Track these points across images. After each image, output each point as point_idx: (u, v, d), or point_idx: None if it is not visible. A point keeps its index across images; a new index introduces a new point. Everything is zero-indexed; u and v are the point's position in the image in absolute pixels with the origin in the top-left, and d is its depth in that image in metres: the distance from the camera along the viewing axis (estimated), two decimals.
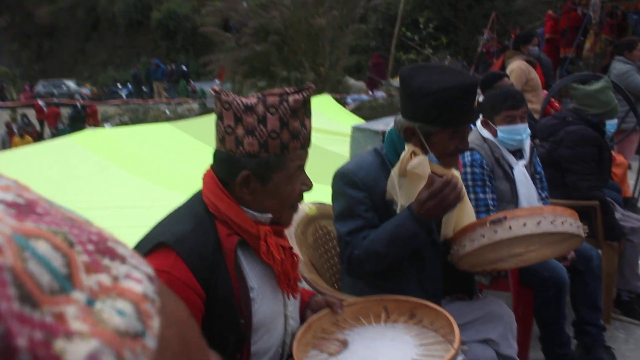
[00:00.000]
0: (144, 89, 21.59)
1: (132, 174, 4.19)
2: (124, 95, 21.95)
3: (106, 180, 4.07)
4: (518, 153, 2.76)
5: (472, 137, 2.64)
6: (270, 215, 1.45)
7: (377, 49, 16.08)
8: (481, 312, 1.90)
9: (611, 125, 3.26)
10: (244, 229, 1.41)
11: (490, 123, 2.71)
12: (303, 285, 1.92)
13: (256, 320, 1.41)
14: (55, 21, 32.85)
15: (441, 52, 15.05)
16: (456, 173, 1.94)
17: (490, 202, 2.57)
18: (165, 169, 4.45)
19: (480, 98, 3.11)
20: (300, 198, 1.50)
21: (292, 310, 1.56)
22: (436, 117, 1.79)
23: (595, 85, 3.25)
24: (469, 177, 2.57)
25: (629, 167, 4.97)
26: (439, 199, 1.70)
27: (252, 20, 12.31)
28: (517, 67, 5.41)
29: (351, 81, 15.21)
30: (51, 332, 0.29)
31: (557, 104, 5.27)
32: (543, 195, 2.84)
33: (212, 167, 1.47)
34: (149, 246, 1.33)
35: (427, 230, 1.90)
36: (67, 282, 0.31)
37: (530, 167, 2.78)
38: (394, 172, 1.84)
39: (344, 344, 1.54)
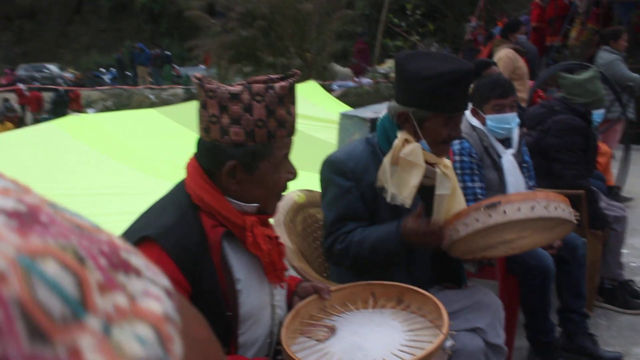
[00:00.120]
0: (129, 73, 21.31)
1: (117, 161, 4.15)
2: (107, 79, 21.67)
3: (90, 167, 4.02)
4: (506, 142, 2.76)
5: (461, 126, 2.64)
6: (256, 205, 1.43)
7: (361, 35, 16.00)
8: (469, 301, 1.90)
9: (598, 114, 3.27)
10: (230, 220, 1.38)
11: (479, 111, 2.71)
12: (290, 273, 1.91)
13: (243, 311, 1.40)
14: (37, 3, 32.23)
15: (428, 39, 15.03)
16: (447, 162, 1.94)
17: (478, 190, 2.57)
18: (150, 156, 4.40)
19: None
20: (286, 187, 1.48)
21: (279, 299, 1.55)
22: (431, 101, 1.79)
23: (584, 75, 3.26)
24: (457, 165, 2.57)
25: (613, 156, 5.01)
26: (421, 238, 1.81)
27: (239, 4, 12.19)
28: (504, 55, 5.42)
29: (337, 67, 15.15)
30: None
31: (542, 93, 5.30)
32: (530, 184, 2.85)
33: (196, 156, 1.44)
34: (132, 240, 1.30)
35: None
36: (79, 306, 0.28)
37: (519, 156, 2.79)
38: (386, 159, 1.83)
39: (332, 330, 1.54)
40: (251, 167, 1.38)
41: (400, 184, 1.83)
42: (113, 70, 22.93)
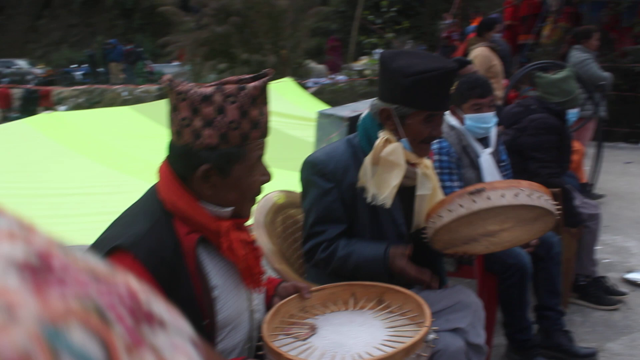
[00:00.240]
0: (103, 69, 20.94)
1: (92, 160, 4.07)
2: (78, 75, 21.26)
3: (64, 166, 3.94)
4: (484, 141, 2.78)
5: None
6: (231, 209, 1.41)
7: (333, 32, 15.99)
8: (450, 301, 1.91)
9: (573, 114, 3.32)
10: (204, 226, 1.35)
11: (457, 111, 2.73)
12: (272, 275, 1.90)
13: (221, 318, 1.38)
14: None
15: (403, 36, 15.08)
16: (428, 162, 1.94)
17: (457, 190, 2.58)
18: (126, 154, 4.33)
19: None
20: (260, 190, 1.46)
21: (257, 303, 1.53)
22: (413, 98, 1.80)
23: (559, 75, 3.30)
24: (436, 165, 2.59)
25: (585, 153, 5.10)
26: (407, 277, 1.87)
27: (213, 0, 12.06)
28: (479, 54, 5.47)
29: (312, 64, 15.11)
30: None
31: (514, 91, 5.35)
32: None
33: (168, 160, 1.40)
34: (104, 250, 1.26)
35: (394, 224, 1.92)
36: None
37: (496, 155, 2.81)
38: (367, 159, 1.83)
39: (313, 329, 1.53)
40: (225, 171, 1.35)
41: (380, 184, 1.83)
42: (85, 66, 22.51)
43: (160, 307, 0.32)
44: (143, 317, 0.30)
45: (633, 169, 7.16)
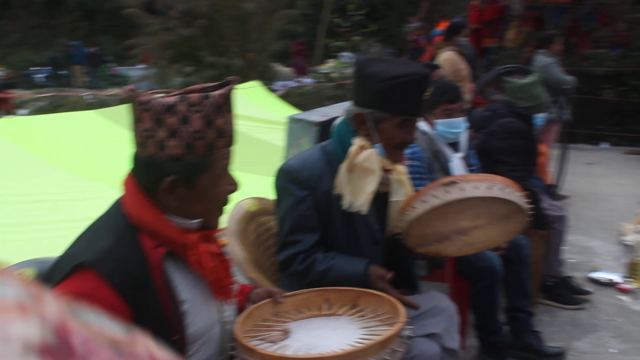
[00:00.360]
0: (66, 72, 20.50)
1: (56, 165, 3.97)
2: (37, 78, 20.76)
3: (27, 172, 3.83)
4: (454, 145, 2.81)
5: None
6: (198, 221, 1.38)
7: (298, 36, 16.00)
8: (425, 306, 1.92)
9: (540, 118, 3.38)
10: (171, 239, 1.32)
11: (428, 116, 2.75)
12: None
13: (191, 332, 1.34)
14: None
15: (370, 39, 15.16)
16: (401, 168, 1.95)
17: None
18: (91, 160, 4.24)
19: None
20: (228, 200, 1.43)
21: (228, 315, 1.51)
22: (388, 103, 1.81)
23: (527, 80, 3.36)
24: (408, 170, 2.60)
25: (549, 155, 5.21)
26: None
27: (179, 3, 11.92)
28: (447, 58, 5.53)
29: (279, 67, 15.08)
30: None
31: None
32: None
33: (132, 173, 1.36)
34: (68, 268, 1.22)
35: (369, 230, 1.92)
36: None
37: (467, 159, 2.84)
38: (343, 167, 1.83)
39: (286, 333, 1.52)
40: (191, 182, 1.31)
41: (356, 191, 1.83)
42: (47, 69, 21.99)
43: None
44: None
45: (595, 170, 7.35)
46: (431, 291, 2.09)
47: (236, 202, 2.20)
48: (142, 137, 1.29)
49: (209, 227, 1.41)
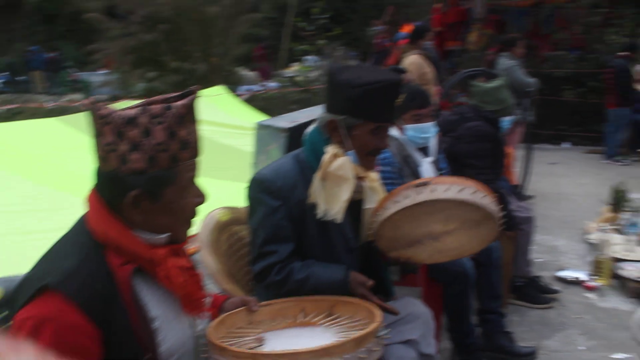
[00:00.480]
0: (24, 77, 19.96)
1: (18, 175, 3.84)
2: None
3: None
4: (424, 150, 2.83)
5: None
6: (166, 236, 1.34)
7: (261, 40, 15.95)
8: (401, 313, 1.92)
9: (506, 121, 3.43)
10: (138, 256, 1.28)
11: (398, 122, 2.76)
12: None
13: (164, 350, 1.31)
14: None
15: (334, 43, 15.20)
16: (374, 176, 1.95)
17: None
18: (55, 169, 4.12)
19: None
20: (195, 212, 1.39)
21: (202, 329, 1.47)
22: (360, 109, 1.81)
23: (493, 84, 3.41)
24: (379, 175, 2.60)
25: (514, 156, 5.30)
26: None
27: (141, 7, 11.74)
28: (413, 62, 5.57)
29: (243, 71, 14.99)
30: None
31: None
32: None
33: (96, 188, 1.32)
34: (32, 290, 1.18)
35: (344, 238, 1.91)
36: None
37: (436, 164, 2.86)
38: (317, 175, 1.82)
39: (260, 341, 1.50)
40: (156, 195, 1.28)
41: (330, 199, 1.82)
42: (5, 74, 21.38)
43: None
44: None
45: (558, 170, 7.51)
46: (406, 297, 2.09)
47: (207, 213, 2.16)
48: (104, 152, 1.26)
49: (177, 240, 1.37)
